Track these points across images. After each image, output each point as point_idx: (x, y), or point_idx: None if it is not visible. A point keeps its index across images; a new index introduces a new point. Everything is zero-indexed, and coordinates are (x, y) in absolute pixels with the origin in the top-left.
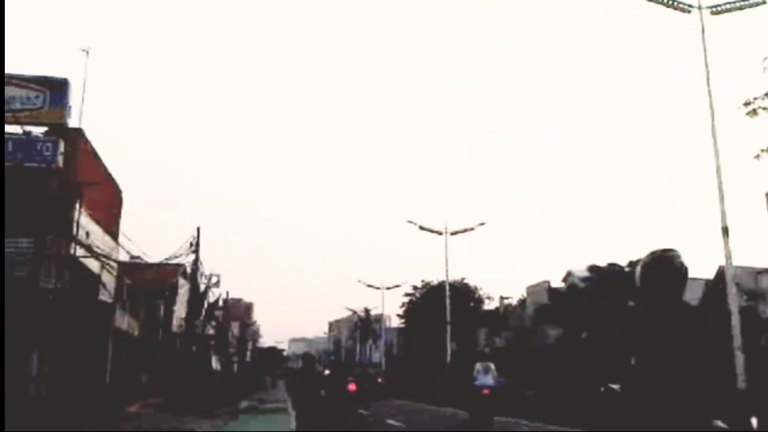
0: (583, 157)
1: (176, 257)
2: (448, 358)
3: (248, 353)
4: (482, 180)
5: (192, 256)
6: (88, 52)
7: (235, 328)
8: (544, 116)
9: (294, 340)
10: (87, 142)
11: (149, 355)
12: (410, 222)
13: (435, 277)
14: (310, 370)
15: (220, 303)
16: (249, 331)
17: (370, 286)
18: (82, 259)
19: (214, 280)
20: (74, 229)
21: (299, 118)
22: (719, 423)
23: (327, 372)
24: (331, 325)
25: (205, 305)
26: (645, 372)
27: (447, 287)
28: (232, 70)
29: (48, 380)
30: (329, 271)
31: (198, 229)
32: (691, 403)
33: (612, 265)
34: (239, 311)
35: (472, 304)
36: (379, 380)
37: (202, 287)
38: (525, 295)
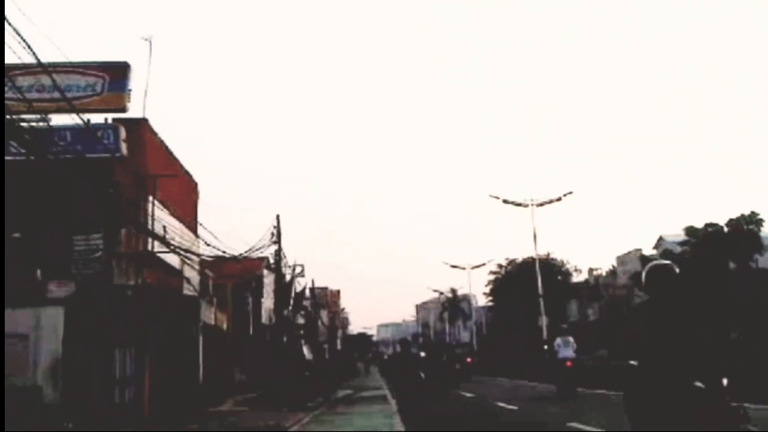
0: (661, 118)
1: (258, 249)
2: (544, 333)
3: (338, 341)
4: (561, 149)
5: (274, 247)
6: (150, 42)
7: (323, 316)
8: (623, 77)
9: (382, 326)
10: (154, 133)
11: (240, 349)
12: (493, 197)
13: (520, 254)
14: (407, 354)
15: (307, 292)
16: (338, 318)
17: (454, 266)
18: (161, 255)
19: (298, 269)
20: (150, 223)
21: (382, 101)
22: (698, 384)
23: (423, 354)
24: (418, 307)
25: (292, 295)
26: (652, 351)
27: (537, 260)
28: (300, 55)
29: (136, 382)
30: (413, 253)
31: (278, 218)
32: (682, 372)
33: (710, 225)
34: (326, 299)
35: (560, 278)
36: (468, 360)
37: (287, 278)
38: (615, 264)
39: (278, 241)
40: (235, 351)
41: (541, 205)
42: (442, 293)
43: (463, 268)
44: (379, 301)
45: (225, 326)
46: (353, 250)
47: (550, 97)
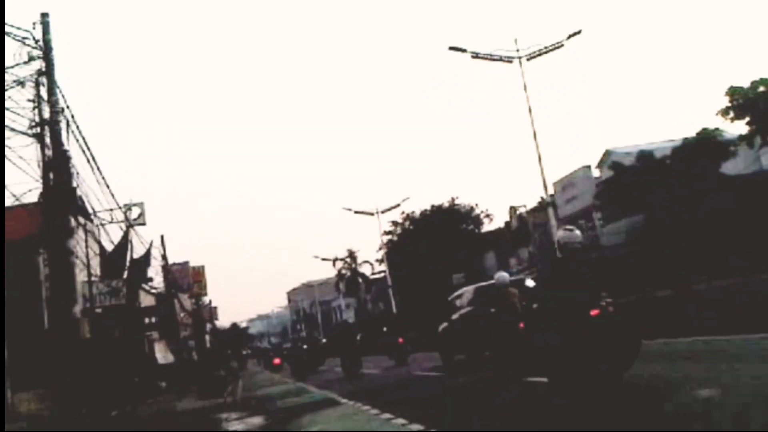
0: None
1: None
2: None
3: (207, 336)
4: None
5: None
6: None
7: (185, 301)
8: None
9: (252, 320)
10: None
11: (26, 354)
12: (455, 48)
13: (416, 207)
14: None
15: (156, 257)
16: (204, 307)
17: (360, 212)
18: None
19: (135, 212)
20: None
21: (247, 81)
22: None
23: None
24: (289, 295)
25: (128, 258)
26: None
27: (539, 156)
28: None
29: None
30: (281, 238)
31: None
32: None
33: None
34: (186, 278)
35: (471, 227)
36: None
37: (113, 225)
38: (550, 194)
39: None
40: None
41: (533, 57)
42: (336, 259)
43: (371, 214)
44: (245, 292)
45: None
46: (211, 235)
47: None
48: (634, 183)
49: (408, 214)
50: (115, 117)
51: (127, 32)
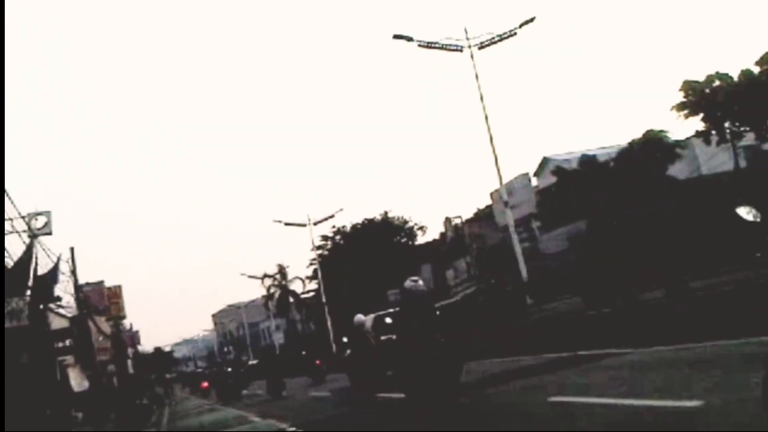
0: None
1: None
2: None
3: (129, 361)
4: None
5: None
6: None
7: (102, 324)
8: None
9: (176, 345)
10: None
11: None
12: (402, 36)
13: (348, 221)
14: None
15: (64, 273)
16: (126, 331)
17: (291, 224)
18: None
19: (40, 222)
20: None
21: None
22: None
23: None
24: (215, 318)
25: (31, 273)
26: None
27: (494, 150)
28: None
29: None
30: (204, 257)
31: None
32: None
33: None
34: (102, 299)
35: (405, 240)
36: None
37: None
38: (491, 202)
39: None
40: None
41: (485, 46)
42: (265, 276)
43: (303, 225)
44: (168, 317)
45: None
46: (129, 256)
47: None
48: (578, 188)
49: (339, 228)
50: (16, 115)
51: (40, 35)
